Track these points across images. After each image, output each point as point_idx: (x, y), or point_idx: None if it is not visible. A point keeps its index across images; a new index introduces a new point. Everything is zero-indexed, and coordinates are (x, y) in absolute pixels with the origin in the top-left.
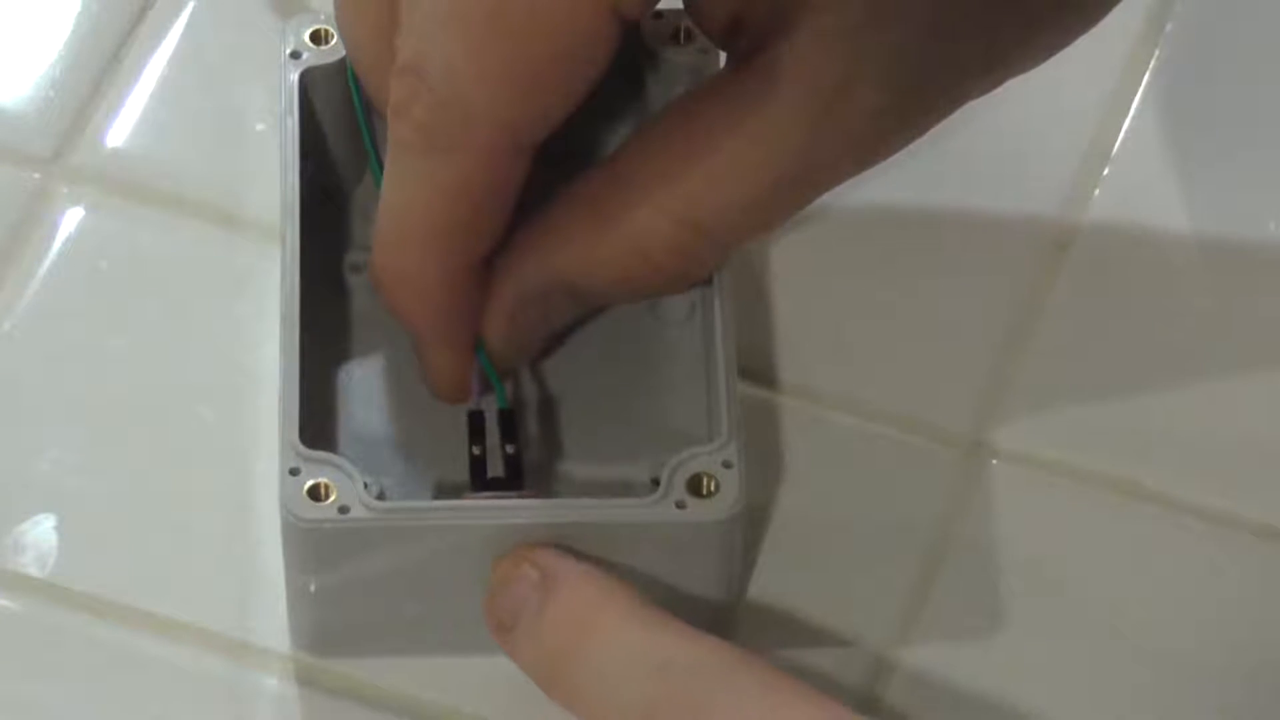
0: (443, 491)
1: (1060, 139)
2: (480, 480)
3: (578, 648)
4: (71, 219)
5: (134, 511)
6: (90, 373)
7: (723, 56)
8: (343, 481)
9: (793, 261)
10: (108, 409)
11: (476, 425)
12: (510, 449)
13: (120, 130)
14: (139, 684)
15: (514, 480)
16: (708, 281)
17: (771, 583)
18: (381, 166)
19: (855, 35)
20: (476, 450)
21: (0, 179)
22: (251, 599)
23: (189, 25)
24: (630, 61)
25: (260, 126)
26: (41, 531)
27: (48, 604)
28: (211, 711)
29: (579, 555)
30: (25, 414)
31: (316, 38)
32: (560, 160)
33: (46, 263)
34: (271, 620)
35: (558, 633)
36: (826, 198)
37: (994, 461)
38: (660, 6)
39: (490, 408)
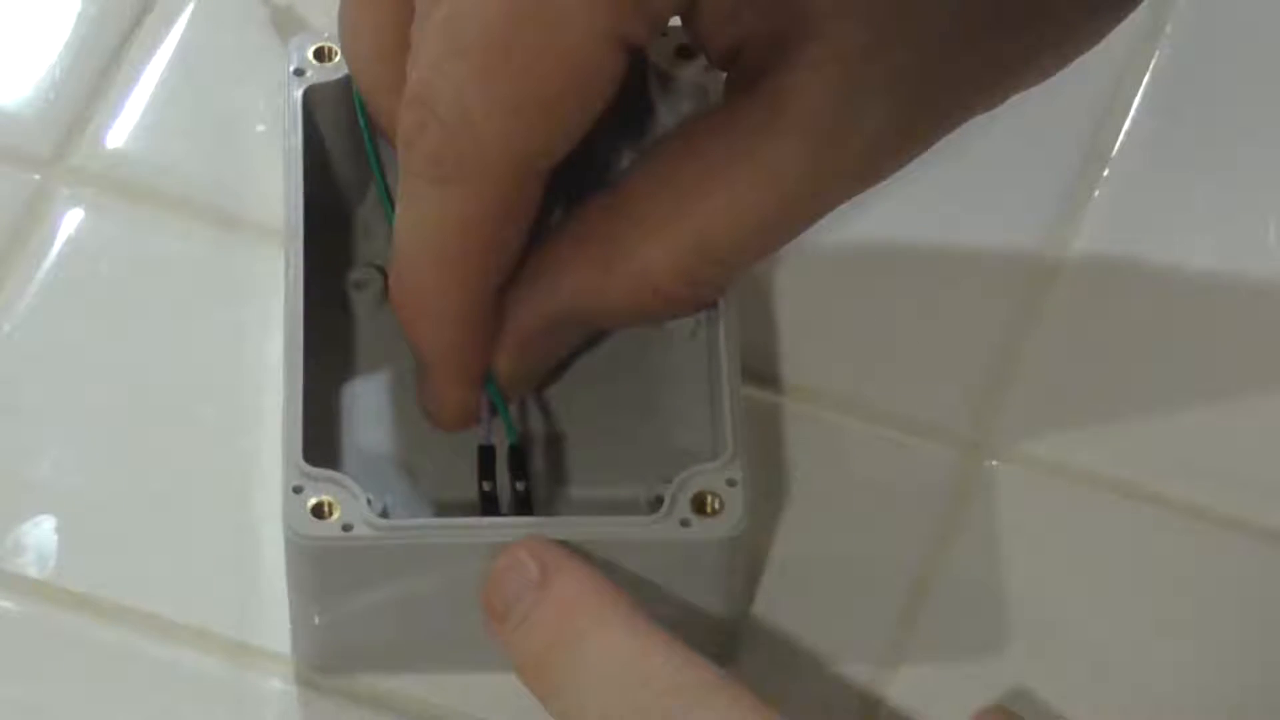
0: (446, 509)
1: (1060, 140)
2: (490, 516)
3: (566, 647)
4: (71, 219)
5: (134, 512)
6: (90, 373)
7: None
8: (346, 499)
9: (796, 263)
10: (108, 410)
11: (487, 460)
12: (520, 486)
13: (120, 130)
14: (139, 685)
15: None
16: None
17: (770, 586)
18: (387, 187)
19: (857, 62)
20: (486, 486)
21: (0, 179)
22: (252, 600)
23: (189, 26)
24: (636, 78)
25: (260, 128)
26: (41, 531)
27: (48, 604)
28: (211, 712)
29: (581, 554)
30: (25, 414)
31: (320, 55)
32: (565, 177)
33: (46, 263)
34: (271, 622)
35: (549, 629)
36: None
37: (994, 463)
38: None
39: (500, 443)
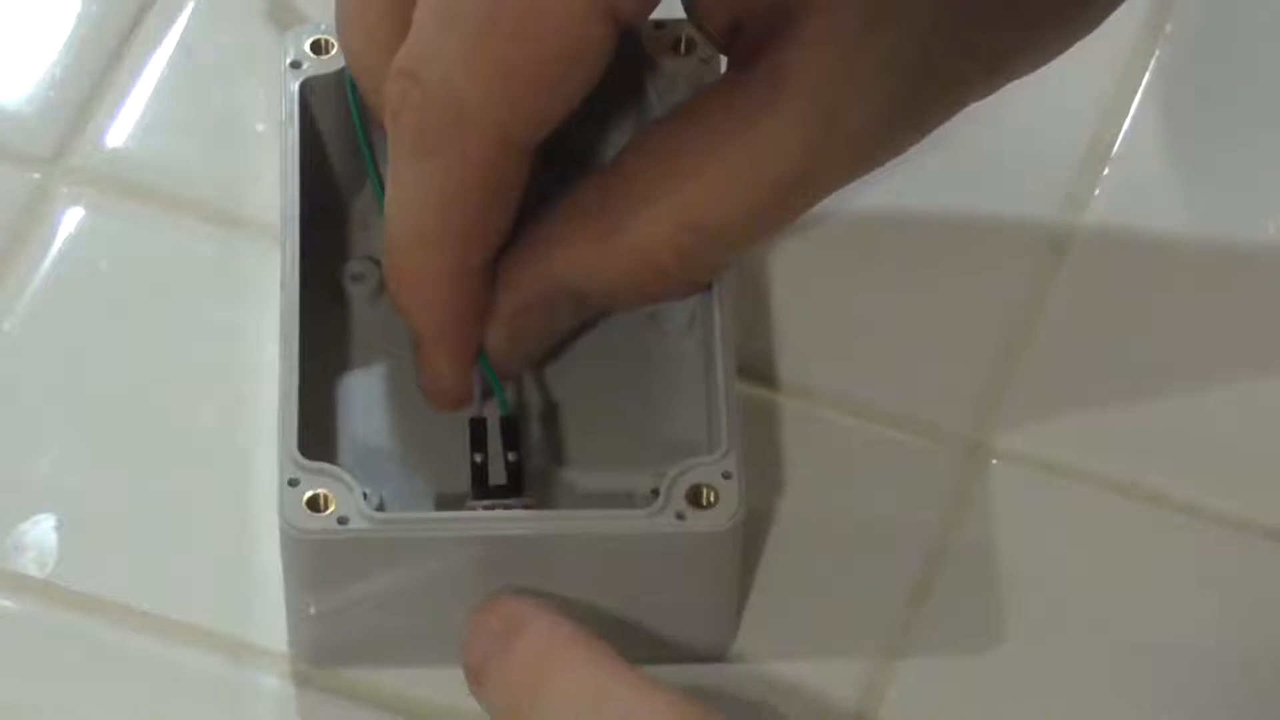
0: (443, 502)
1: (1060, 139)
2: (482, 488)
3: (535, 693)
4: (71, 219)
5: (134, 511)
6: (90, 373)
7: (723, 60)
8: (342, 492)
9: (793, 261)
10: (108, 409)
11: (478, 433)
12: (512, 457)
13: (120, 130)
14: (139, 684)
15: (515, 488)
16: (708, 290)
17: (769, 586)
18: (380, 180)
19: (856, 41)
20: (478, 458)
21: (0, 179)
22: (251, 599)
23: (189, 25)
24: (631, 71)
25: (260, 126)
26: (41, 531)
27: (48, 604)
28: (211, 711)
29: (548, 603)
30: (25, 414)
31: (317, 47)
32: (562, 169)
33: (46, 263)
34: (271, 620)
35: (518, 678)
36: (827, 198)
37: (994, 462)
38: (662, 16)
39: (492, 415)
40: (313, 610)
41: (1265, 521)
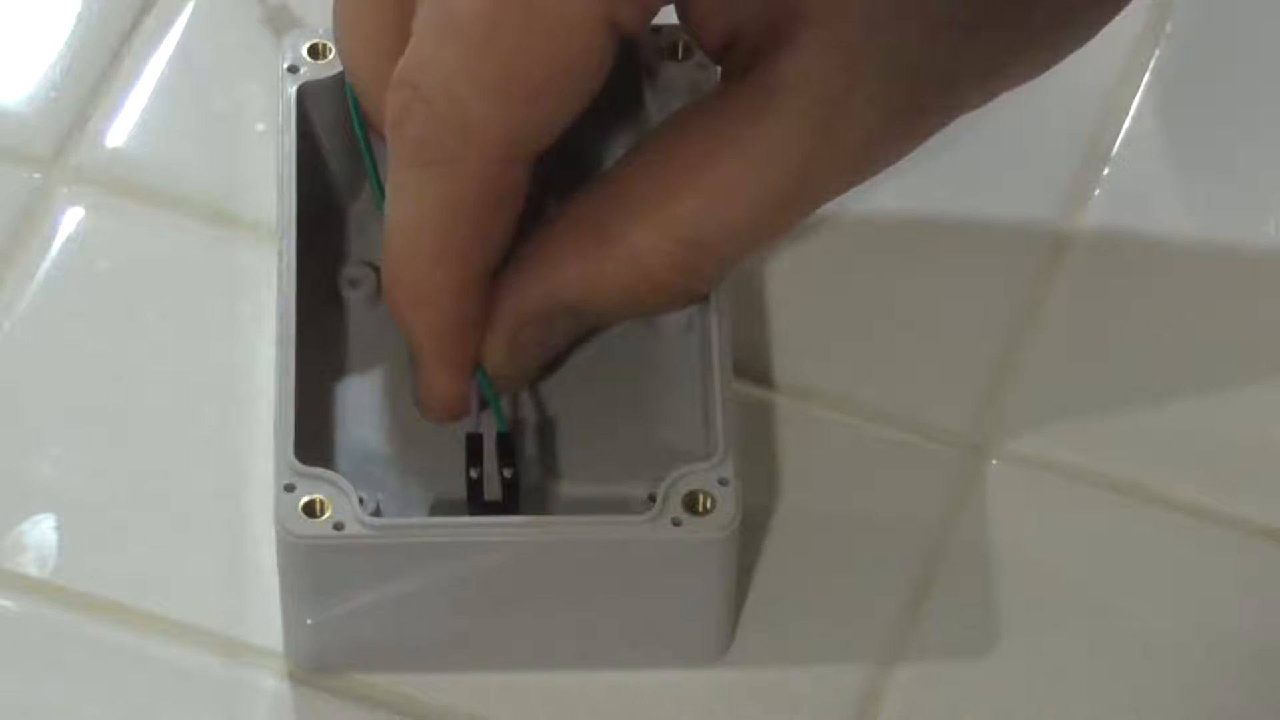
0: (439, 508)
1: (1060, 139)
2: (477, 504)
3: None
4: (71, 219)
5: (134, 511)
6: (90, 373)
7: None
8: (338, 498)
9: (792, 259)
10: (108, 409)
11: (474, 448)
12: (508, 473)
13: (120, 130)
14: (138, 684)
15: (511, 504)
16: (705, 297)
17: (768, 587)
18: (381, 187)
19: (852, 50)
20: (474, 473)
21: (0, 179)
22: (250, 599)
23: (189, 26)
24: (628, 76)
25: (260, 127)
26: (41, 531)
27: (48, 604)
28: (209, 711)
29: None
30: (25, 414)
31: (314, 52)
32: (559, 176)
33: (46, 263)
34: (269, 620)
35: None
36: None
37: (994, 462)
38: (658, 21)
39: (488, 430)
40: (309, 619)
41: (1265, 521)
